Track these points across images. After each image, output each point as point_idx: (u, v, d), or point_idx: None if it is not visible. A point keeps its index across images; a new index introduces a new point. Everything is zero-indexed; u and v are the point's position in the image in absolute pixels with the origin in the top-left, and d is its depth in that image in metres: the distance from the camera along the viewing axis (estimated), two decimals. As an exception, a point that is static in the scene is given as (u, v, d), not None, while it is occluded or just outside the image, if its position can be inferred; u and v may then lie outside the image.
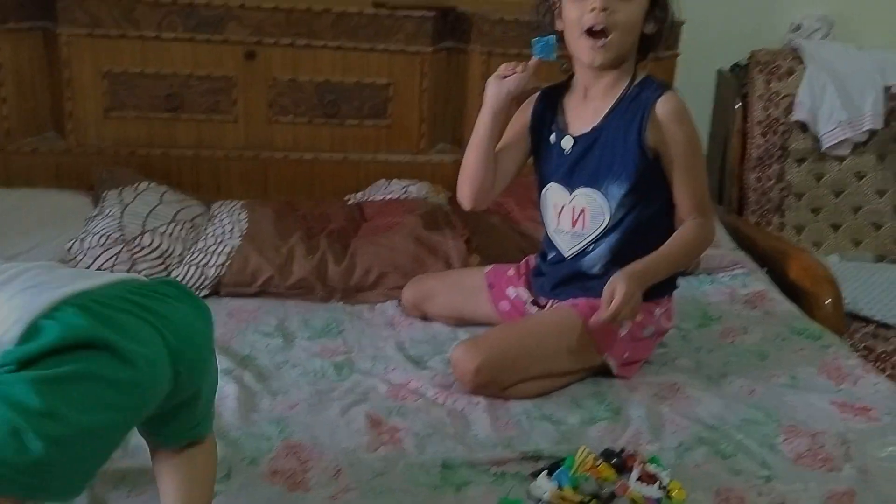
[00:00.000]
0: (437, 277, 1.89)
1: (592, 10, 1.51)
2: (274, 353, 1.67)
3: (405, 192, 2.28)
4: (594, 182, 1.62)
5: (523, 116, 1.73)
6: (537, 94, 1.73)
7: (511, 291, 1.79)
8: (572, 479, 1.24)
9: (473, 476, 1.31)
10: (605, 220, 1.63)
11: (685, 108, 1.59)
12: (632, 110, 1.59)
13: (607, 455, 1.27)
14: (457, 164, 2.45)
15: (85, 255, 1.87)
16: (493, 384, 1.52)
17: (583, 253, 1.66)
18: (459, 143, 2.48)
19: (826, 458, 1.37)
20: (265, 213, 2.09)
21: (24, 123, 2.25)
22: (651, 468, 1.26)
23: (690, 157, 1.58)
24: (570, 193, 1.65)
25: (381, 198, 2.27)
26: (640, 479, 1.25)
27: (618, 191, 1.60)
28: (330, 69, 2.28)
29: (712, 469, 1.34)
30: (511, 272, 1.82)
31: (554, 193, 1.68)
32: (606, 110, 1.62)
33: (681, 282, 2.06)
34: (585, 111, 1.64)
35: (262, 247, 1.95)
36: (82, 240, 1.90)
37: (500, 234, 2.14)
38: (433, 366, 1.66)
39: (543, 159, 1.71)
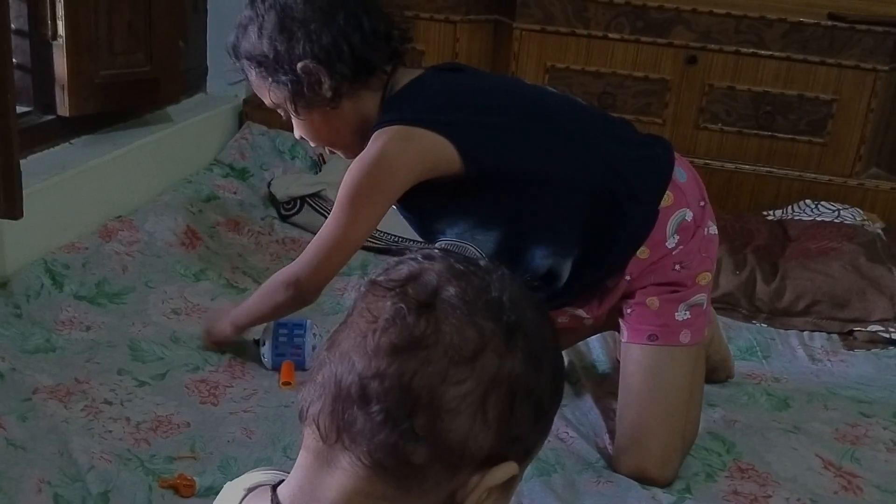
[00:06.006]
0: None
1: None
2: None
3: (838, 216, 2.14)
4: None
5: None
6: None
7: None
8: None
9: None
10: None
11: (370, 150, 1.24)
12: None
13: None
14: (893, 193, 2.29)
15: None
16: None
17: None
18: (896, 171, 2.29)
19: None
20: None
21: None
22: None
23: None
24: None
25: (809, 219, 2.15)
26: None
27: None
28: (772, 80, 2.20)
29: None
30: None
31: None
32: None
33: None
34: None
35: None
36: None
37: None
38: (876, 412, 1.53)
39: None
